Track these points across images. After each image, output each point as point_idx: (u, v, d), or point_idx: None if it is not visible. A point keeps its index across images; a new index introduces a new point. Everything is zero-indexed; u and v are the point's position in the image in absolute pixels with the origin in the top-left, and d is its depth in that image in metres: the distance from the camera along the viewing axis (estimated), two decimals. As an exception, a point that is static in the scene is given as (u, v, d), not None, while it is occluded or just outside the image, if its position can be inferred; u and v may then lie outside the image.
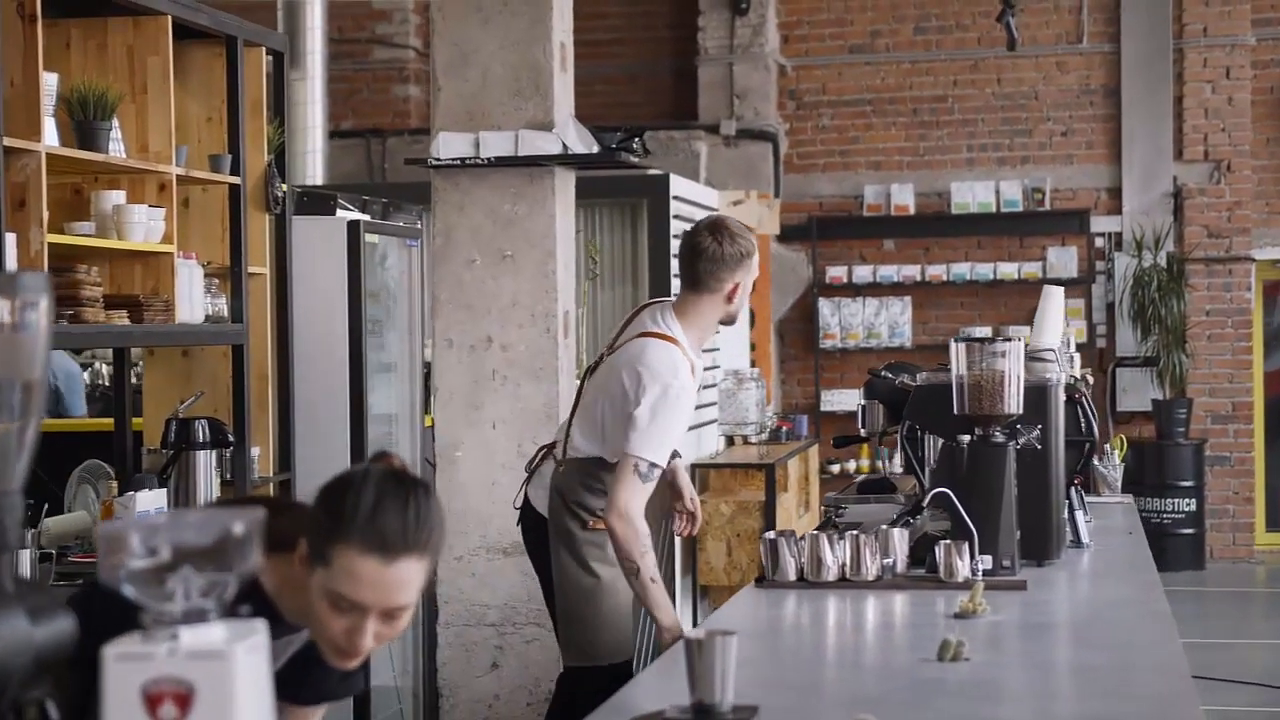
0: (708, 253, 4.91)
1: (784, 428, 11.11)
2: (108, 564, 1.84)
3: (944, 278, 13.58)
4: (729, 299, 4.95)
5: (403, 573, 2.58)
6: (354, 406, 6.57)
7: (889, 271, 13.66)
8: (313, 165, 11.04)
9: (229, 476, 5.89)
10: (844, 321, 13.72)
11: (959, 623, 3.92)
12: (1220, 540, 13.45)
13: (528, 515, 5.17)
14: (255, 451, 6.10)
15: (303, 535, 2.67)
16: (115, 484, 5.66)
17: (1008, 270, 13.41)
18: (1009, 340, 4.72)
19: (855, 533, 4.59)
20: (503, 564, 6.60)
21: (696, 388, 4.96)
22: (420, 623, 7.28)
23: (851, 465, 13.49)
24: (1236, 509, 13.51)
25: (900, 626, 4.07)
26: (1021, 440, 4.80)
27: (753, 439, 10.66)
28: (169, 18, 5.41)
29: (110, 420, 6.02)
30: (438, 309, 6.52)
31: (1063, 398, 5.02)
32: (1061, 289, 6.07)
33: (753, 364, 12.69)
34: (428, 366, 7.18)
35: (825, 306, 13.73)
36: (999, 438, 4.71)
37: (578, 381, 8.58)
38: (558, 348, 6.55)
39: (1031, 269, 13.45)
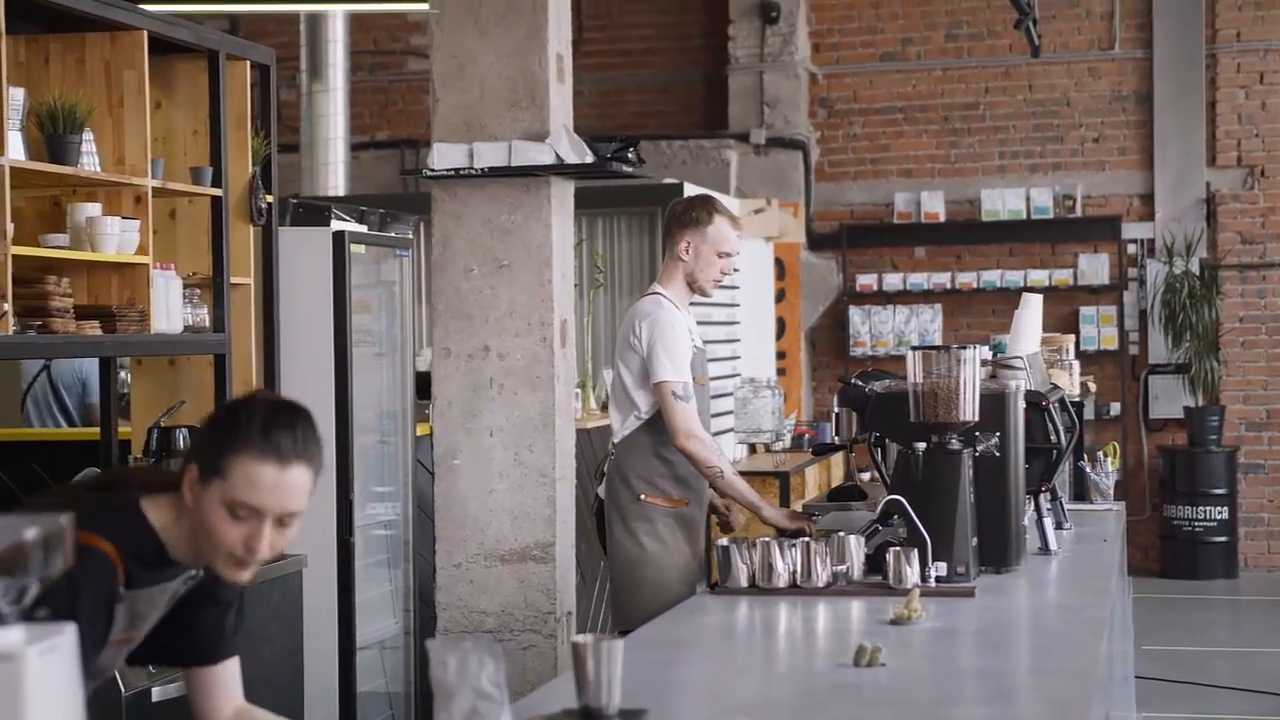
0: (671, 212, 5.90)
1: (806, 435, 11.11)
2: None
3: (974, 285, 13.56)
4: (680, 254, 5.72)
5: (296, 478, 2.85)
6: (340, 415, 6.66)
7: (919, 279, 13.66)
8: (335, 176, 11.13)
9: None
10: (874, 329, 13.72)
11: (891, 629, 3.95)
12: (1254, 549, 13.37)
13: (599, 509, 5.85)
14: (240, 459, 6.17)
15: (191, 461, 2.90)
16: (100, 491, 5.74)
17: (1039, 277, 13.36)
18: (964, 349, 4.74)
19: (807, 540, 4.61)
20: (500, 571, 6.64)
21: (686, 327, 5.70)
22: (412, 629, 7.34)
23: (883, 473, 13.46)
24: (1271, 517, 13.41)
25: (833, 633, 4.11)
26: (980, 448, 4.82)
27: (774, 447, 10.69)
28: (145, 33, 5.50)
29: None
30: (436, 318, 6.56)
31: (1022, 405, 5.02)
32: (1040, 297, 6.08)
33: (781, 372, 12.71)
34: (419, 376, 7.24)
35: (856, 314, 13.74)
36: (955, 445, 4.73)
37: (578, 390, 8.67)
38: (554, 356, 6.57)
39: (1063, 276, 13.41)
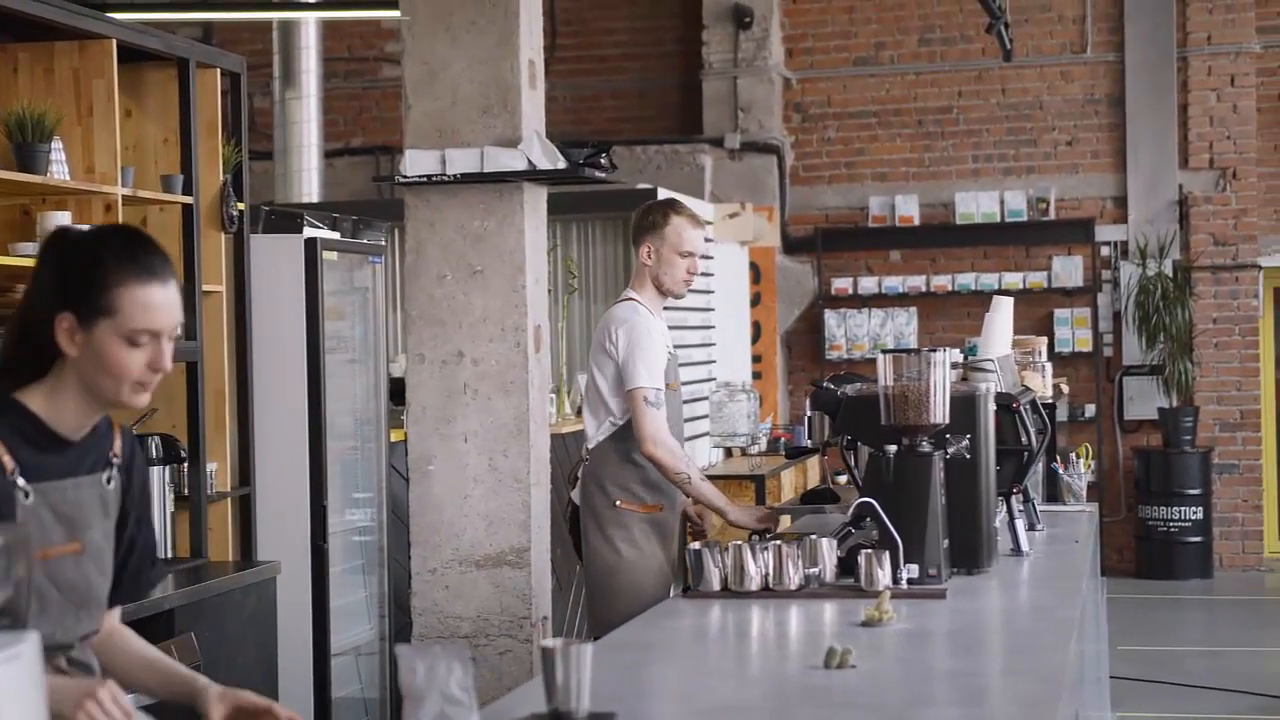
0: (631, 219, 6.00)
1: (782, 439, 11.13)
2: None
3: (949, 288, 13.60)
4: (644, 259, 5.84)
5: (174, 293, 3.00)
6: (313, 421, 6.66)
7: (894, 283, 13.69)
8: (308, 183, 11.11)
9: (185, 492, 5.97)
10: (850, 333, 13.75)
11: (862, 631, 3.96)
12: (1229, 549, 13.42)
13: (573, 514, 5.93)
14: (214, 467, 6.18)
15: (58, 312, 2.92)
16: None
17: (1013, 280, 13.41)
18: (934, 351, 4.76)
19: (779, 543, 4.63)
20: (475, 576, 6.64)
21: (661, 333, 5.78)
22: (387, 635, 7.34)
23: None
24: (1245, 517, 13.47)
25: (805, 635, 4.12)
26: (950, 450, 4.84)
27: (750, 451, 10.70)
28: (113, 41, 5.50)
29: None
30: (410, 324, 6.55)
31: (993, 407, 5.03)
32: (1010, 299, 6.11)
33: (756, 375, 12.73)
34: (393, 382, 7.24)
35: (831, 318, 13.76)
36: (925, 447, 4.75)
37: (553, 395, 8.67)
38: (528, 362, 6.57)
39: (1037, 279, 13.45)
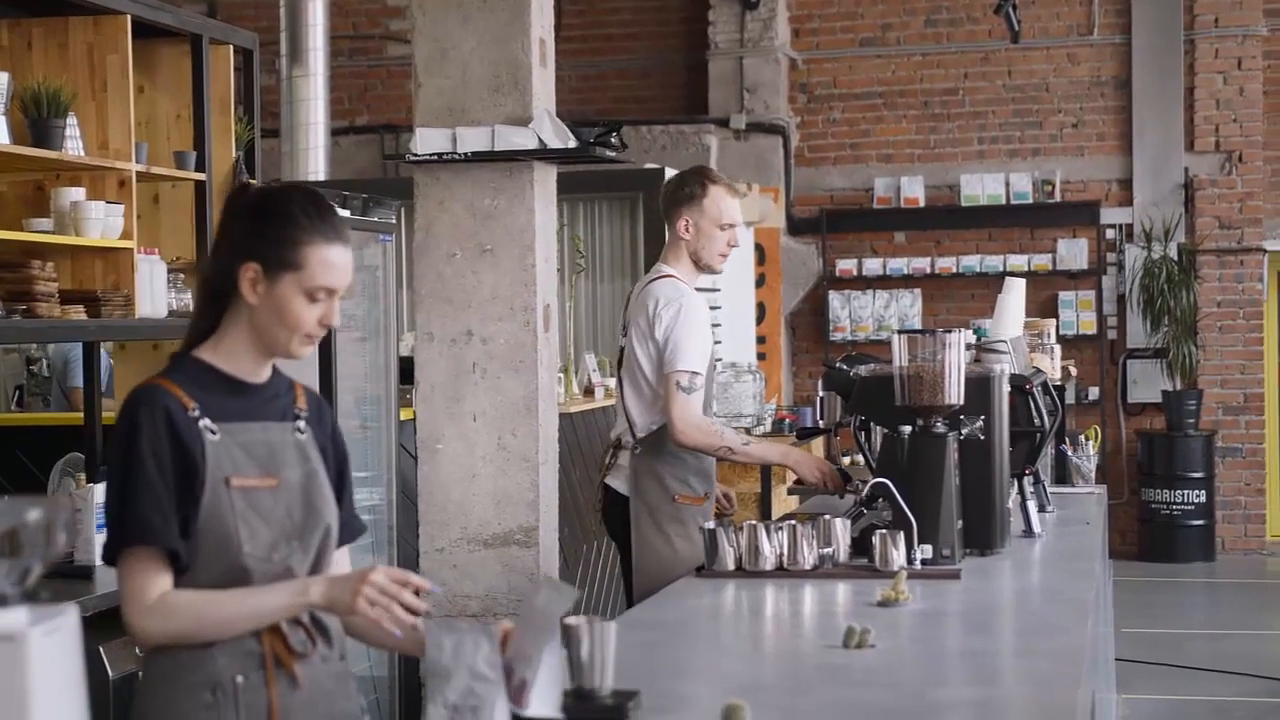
0: (664, 192, 5.78)
1: (787, 420, 11.13)
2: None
3: (954, 270, 13.61)
4: (681, 233, 5.63)
5: (350, 255, 3.16)
6: (324, 398, 6.66)
7: (899, 264, 13.70)
8: (315, 161, 11.09)
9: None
10: (854, 314, 13.76)
11: (879, 611, 3.97)
12: (1231, 532, 13.44)
13: (609, 497, 5.76)
14: (225, 444, 6.17)
15: (246, 261, 3.06)
16: (84, 476, 5.74)
17: (1018, 262, 13.41)
18: (949, 332, 4.76)
19: (793, 523, 4.63)
20: (484, 555, 6.63)
21: (707, 312, 5.63)
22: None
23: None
24: (1248, 500, 13.49)
25: (821, 615, 4.13)
26: (964, 431, 4.84)
27: (755, 431, 10.70)
28: (128, 17, 5.50)
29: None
30: (419, 303, 6.54)
31: (1007, 388, 5.04)
32: (1023, 281, 6.11)
33: (761, 356, 12.73)
34: (402, 361, 7.23)
35: (835, 299, 13.77)
36: (940, 428, 4.75)
37: (560, 375, 8.65)
38: (537, 341, 6.56)
39: (1042, 261, 13.45)
